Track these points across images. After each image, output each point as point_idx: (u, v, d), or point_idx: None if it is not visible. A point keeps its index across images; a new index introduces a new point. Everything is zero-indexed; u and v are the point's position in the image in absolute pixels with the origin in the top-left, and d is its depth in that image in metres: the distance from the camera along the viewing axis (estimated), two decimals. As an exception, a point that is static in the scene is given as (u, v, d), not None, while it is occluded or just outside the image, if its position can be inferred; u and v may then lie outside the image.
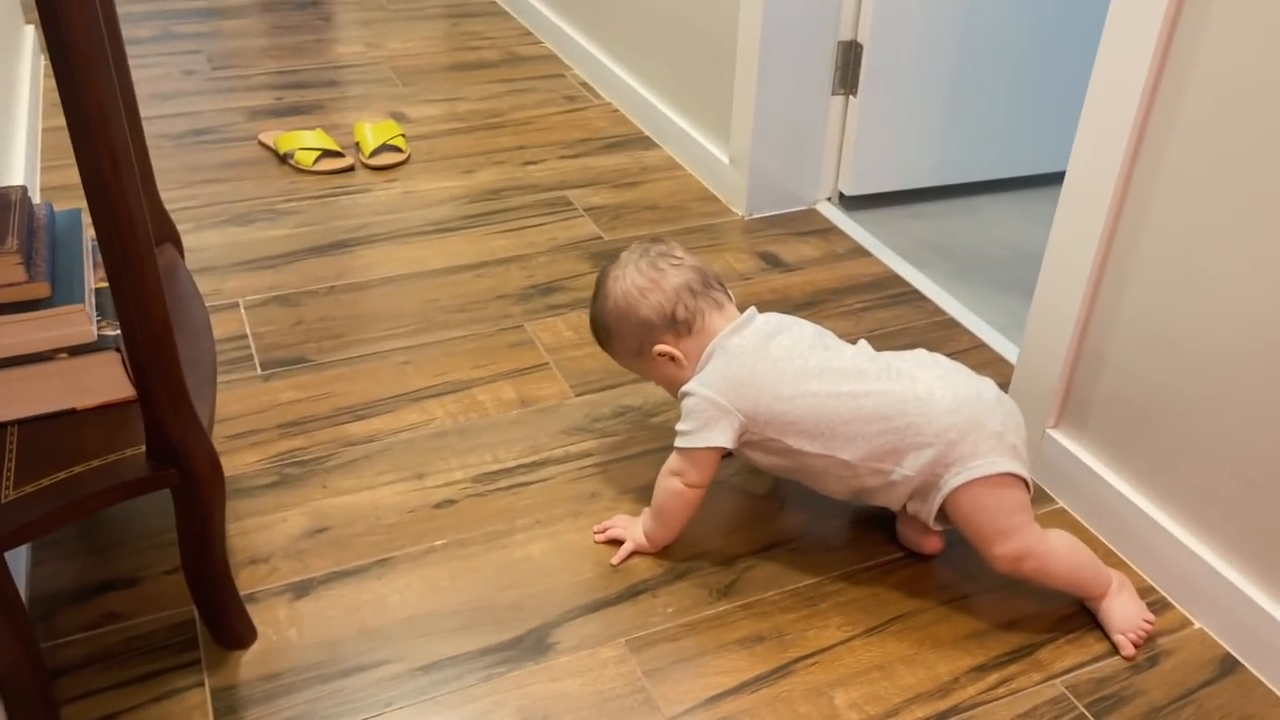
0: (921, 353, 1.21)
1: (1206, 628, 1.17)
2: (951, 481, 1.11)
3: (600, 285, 1.26)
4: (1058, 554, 1.14)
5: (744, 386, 1.15)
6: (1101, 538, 1.28)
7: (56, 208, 1.16)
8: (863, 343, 1.22)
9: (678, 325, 1.20)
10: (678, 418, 1.19)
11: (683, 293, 1.20)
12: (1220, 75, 1.04)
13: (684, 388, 1.19)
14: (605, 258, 1.83)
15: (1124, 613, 1.14)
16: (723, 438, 1.15)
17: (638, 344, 1.23)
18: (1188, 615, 1.19)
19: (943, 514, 1.15)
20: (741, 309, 1.24)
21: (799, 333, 1.20)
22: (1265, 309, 1.05)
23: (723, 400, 1.15)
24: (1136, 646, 1.13)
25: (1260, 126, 1.01)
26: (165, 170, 2.05)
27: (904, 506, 1.18)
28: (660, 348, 1.21)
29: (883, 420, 1.12)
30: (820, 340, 1.20)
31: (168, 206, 1.39)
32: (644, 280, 1.21)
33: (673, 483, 1.19)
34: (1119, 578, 1.17)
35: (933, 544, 1.24)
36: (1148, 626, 1.14)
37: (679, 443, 1.18)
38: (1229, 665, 1.13)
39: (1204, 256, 1.10)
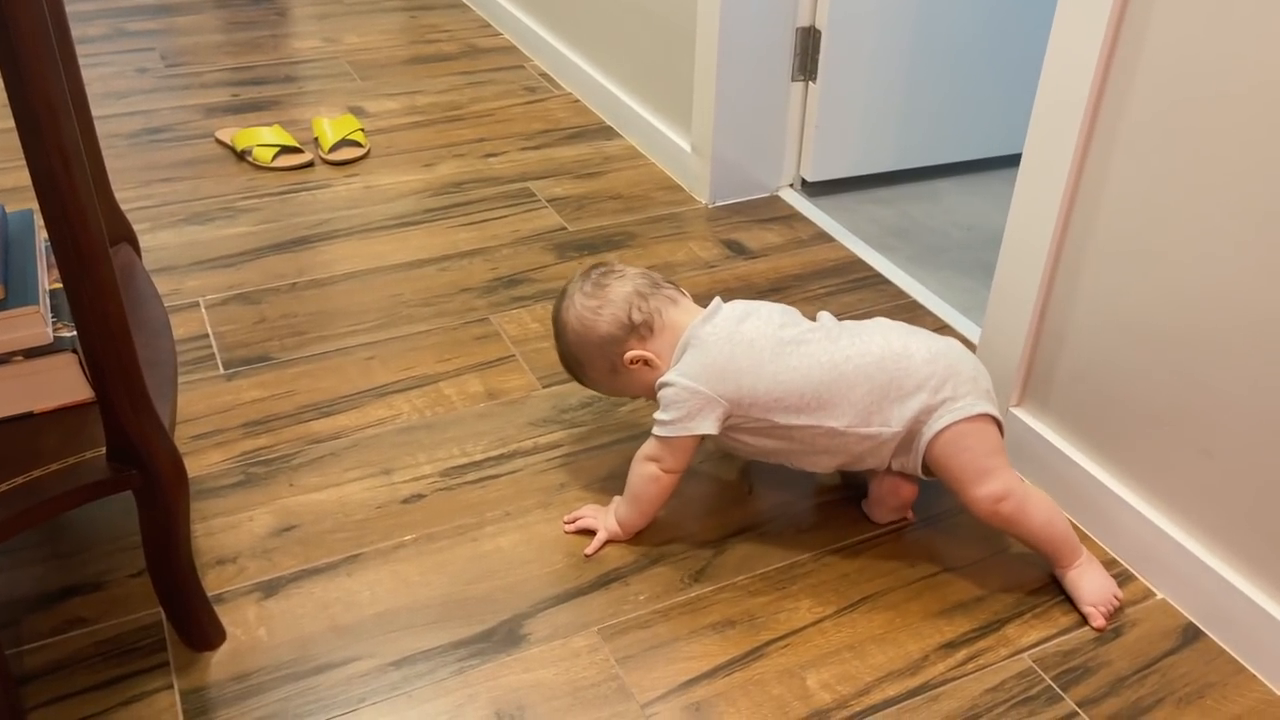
0: (882, 319, 1.24)
1: (1169, 598, 1.19)
2: (935, 425, 1.14)
3: (555, 322, 1.27)
4: (1035, 498, 1.17)
5: (725, 372, 1.16)
6: (1066, 512, 1.30)
7: (8, 209, 1.14)
8: (825, 314, 1.26)
9: (639, 329, 1.21)
10: (644, 408, 1.20)
11: (633, 299, 1.21)
12: (1170, 55, 1.06)
13: (661, 379, 1.19)
14: (570, 248, 1.83)
15: (1093, 585, 1.16)
16: (709, 425, 1.16)
17: (608, 361, 1.23)
18: (1150, 586, 1.21)
19: (925, 464, 1.18)
20: (707, 297, 1.25)
21: (766, 313, 1.21)
22: (1217, 285, 1.06)
23: (705, 389, 1.15)
24: (1107, 619, 1.15)
25: (1210, 104, 1.03)
26: (120, 170, 2.02)
27: (879, 478, 1.22)
28: (630, 354, 1.21)
29: (866, 380, 1.14)
30: (787, 317, 1.22)
31: (123, 207, 1.38)
32: (592, 301, 1.22)
33: (649, 468, 1.20)
34: (1087, 553, 1.19)
35: (902, 514, 1.27)
36: (1117, 601, 1.16)
37: (659, 431, 1.18)
38: (1191, 634, 1.16)
39: (1158, 234, 1.12)
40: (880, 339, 1.17)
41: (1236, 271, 1.04)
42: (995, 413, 1.16)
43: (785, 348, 1.16)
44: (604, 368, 1.24)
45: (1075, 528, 1.28)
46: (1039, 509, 1.16)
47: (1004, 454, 1.17)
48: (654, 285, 1.24)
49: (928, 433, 1.15)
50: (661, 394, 1.19)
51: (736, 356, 1.16)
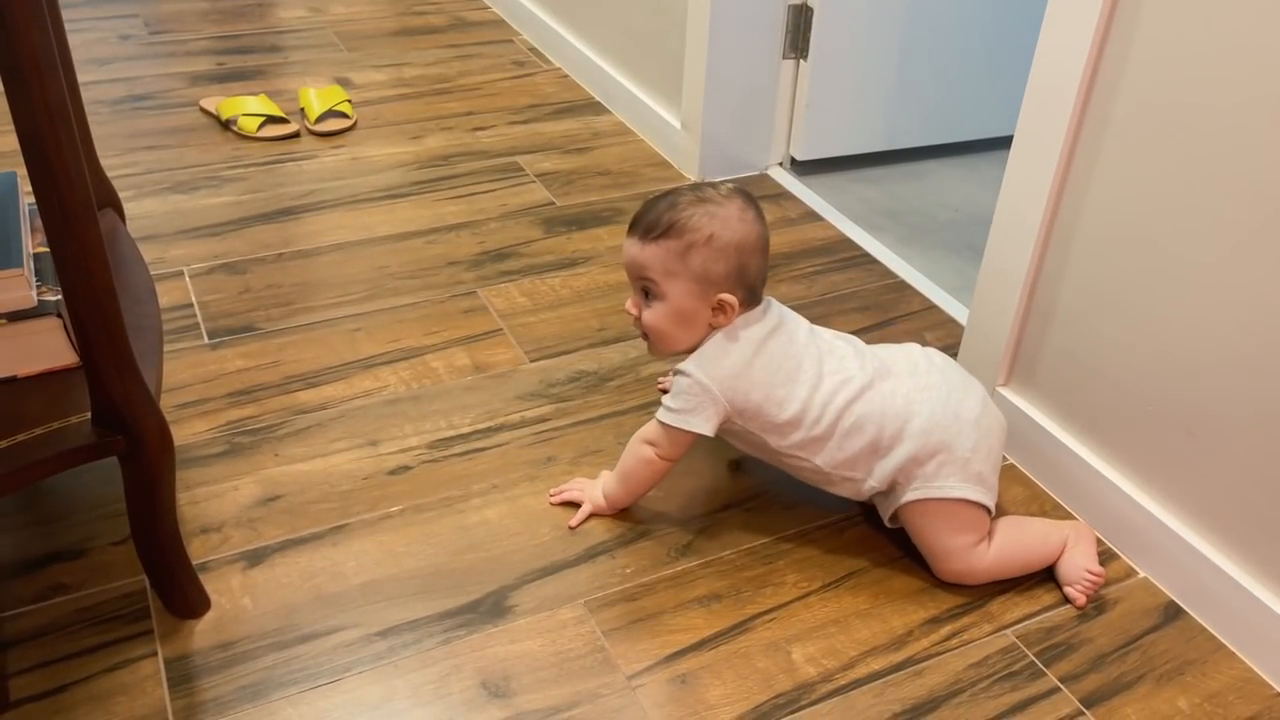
0: (916, 352, 1.21)
1: (1151, 576, 1.20)
2: (907, 495, 1.14)
3: (710, 199, 1.14)
4: (1002, 561, 1.16)
5: (738, 380, 1.14)
6: (1050, 491, 1.31)
7: (-9, 171, 1.12)
8: (853, 340, 1.22)
9: (751, 297, 1.16)
10: (632, 383, 1.19)
11: (765, 276, 1.18)
12: (1163, 37, 1.06)
13: (681, 366, 1.16)
14: (558, 223, 1.82)
15: (1072, 565, 1.17)
16: (706, 426, 1.15)
17: (721, 278, 1.13)
18: (1133, 565, 1.22)
19: (895, 517, 1.19)
20: None
21: (794, 330, 1.18)
22: (1206, 265, 1.07)
23: (715, 389, 1.14)
24: (1087, 597, 1.16)
25: (1203, 85, 1.03)
26: (104, 137, 1.99)
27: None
28: (728, 297, 1.13)
29: (859, 434, 1.14)
30: (813, 340, 1.18)
31: (108, 174, 1.35)
32: (765, 238, 1.17)
33: (645, 450, 1.19)
34: (1075, 531, 1.20)
35: None
36: (1092, 578, 1.16)
37: (662, 416, 1.17)
38: (1173, 612, 1.17)
39: (1148, 215, 1.12)
40: (889, 390, 1.14)
41: (1223, 253, 1.05)
42: (974, 497, 1.13)
43: (801, 376, 1.14)
44: (710, 270, 1.12)
45: (1059, 506, 1.29)
46: (1009, 563, 1.17)
47: (976, 531, 1.15)
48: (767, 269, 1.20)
49: (901, 499, 1.15)
50: (675, 380, 1.17)
51: (754, 368, 1.14)
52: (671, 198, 1.15)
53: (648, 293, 1.16)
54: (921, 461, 1.13)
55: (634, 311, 1.19)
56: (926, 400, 1.14)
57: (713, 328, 1.16)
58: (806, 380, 1.14)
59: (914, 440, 1.13)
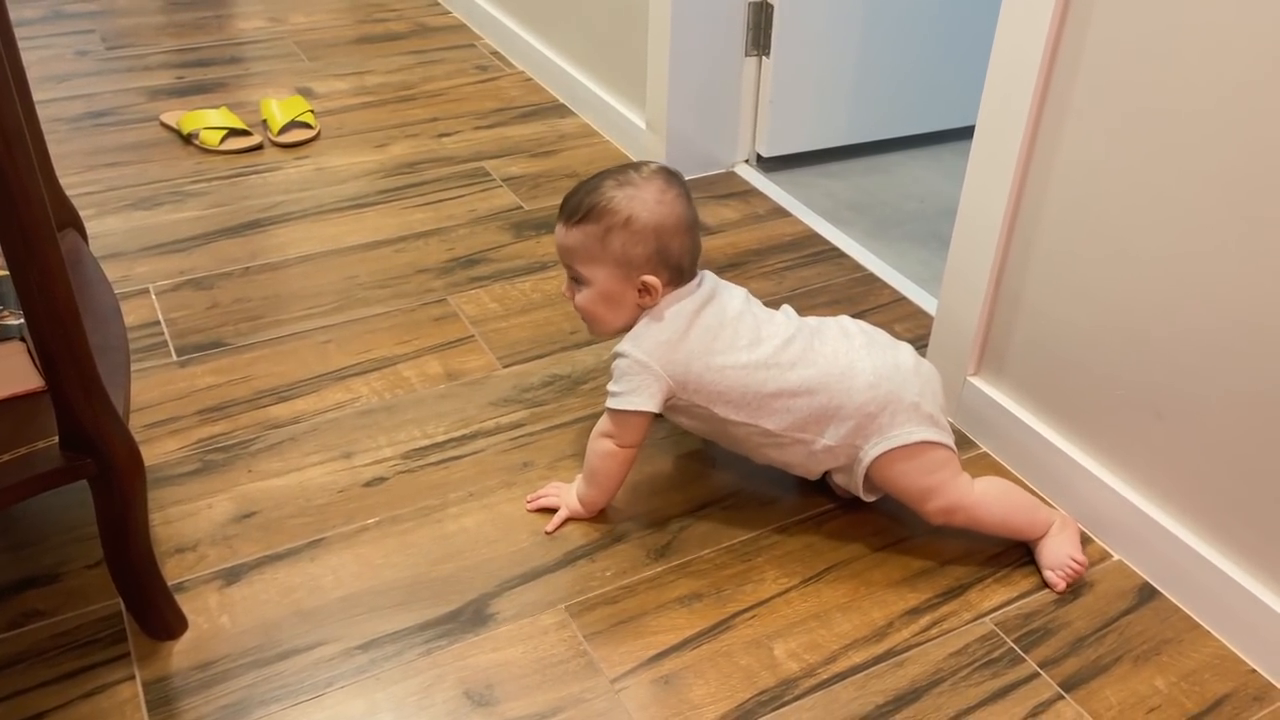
0: (845, 320, 1.23)
1: (1125, 559, 1.22)
2: (871, 452, 1.15)
3: (630, 181, 1.15)
4: (987, 501, 1.17)
5: (675, 353, 1.15)
6: (1024, 479, 1.32)
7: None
8: (787, 308, 1.24)
9: (676, 277, 1.17)
10: (606, 384, 1.19)
11: (695, 254, 1.18)
12: (1119, 22, 1.07)
13: (617, 347, 1.18)
14: (527, 227, 1.82)
15: (1055, 550, 1.18)
16: (650, 402, 1.15)
17: (642, 260, 1.14)
18: (1107, 548, 1.23)
19: (870, 483, 1.19)
20: None
21: (728, 300, 1.19)
22: (1168, 249, 1.08)
23: (654, 364, 1.15)
24: (1067, 584, 1.17)
25: (1160, 71, 1.04)
26: (63, 155, 1.97)
27: (831, 475, 1.22)
28: (651, 279, 1.14)
29: (807, 394, 1.14)
30: (748, 308, 1.20)
31: (68, 192, 1.34)
32: (688, 216, 1.16)
33: (604, 444, 1.19)
34: (1062, 519, 1.21)
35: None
36: (1076, 565, 1.17)
37: (609, 403, 1.18)
38: (1148, 594, 1.18)
39: (1109, 202, 1.13)
40: (829, 352, 1.16)
41: (1185, 237, 1.06)
42: (934, 437, 1.15)
43: (738, 341, 1.15)
44: (629, 255, 1.14)
45: (1033, 493, 1.30)
46: (994, 509, 1.18)
47: (949, 467, 1.17)
48: (699, 251, 1.20)
49: (865, 459, 1.15)
50: (615, 364, 1.18)
51: (690, 339, 1.15)
52: (595, 181, 1.17)
53: (576, 278, 1.18)
54: (874, 415, 1.14)
55: (568, 294, 1.21)
56: (866, 356, 1.16)
57: (641, 308, 1.17)
58: (744, 345, 1.15)
59: (862, 395, 1.14)
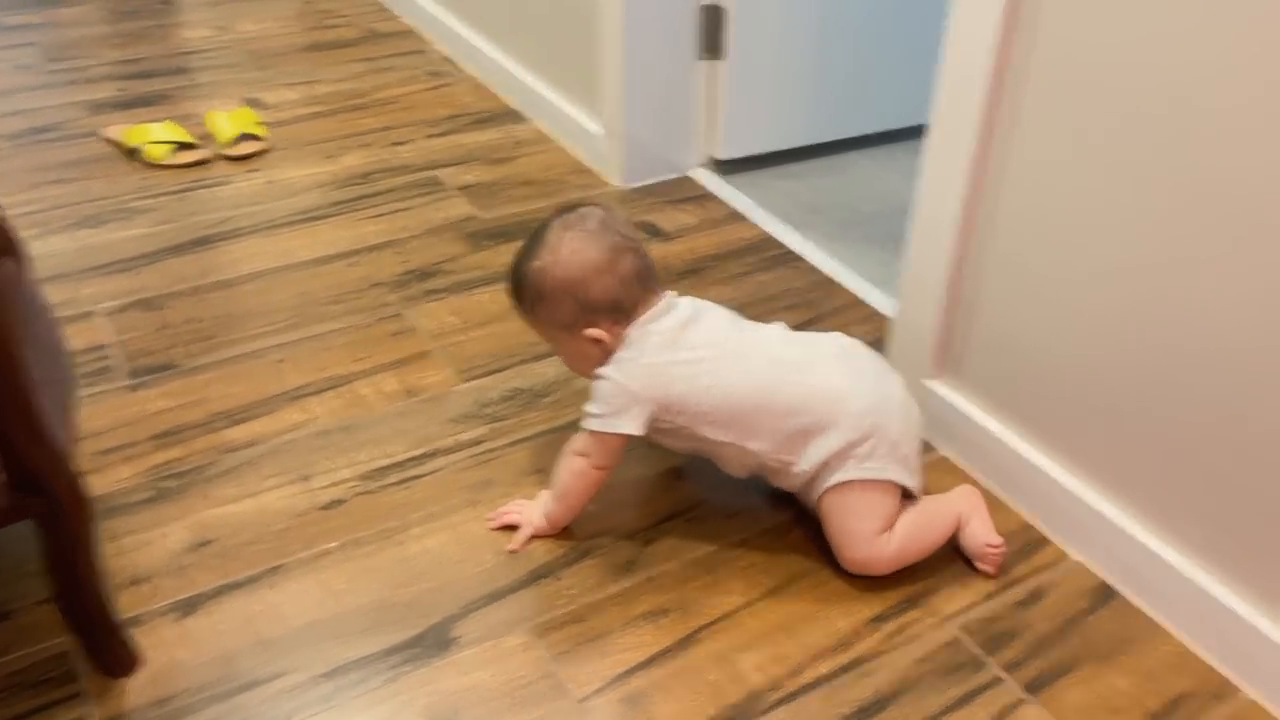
0: (840, 339, 1.22)
1: (1084, 559, 1.23)
2: (836, 476, 1.14)
3: (543, 244, 1.18)
4: (903, 552, 1.17)
5: (659, 375, 1.14)
6: (982, 480, 1.33)
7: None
8: (780, 325, 1.23)
9: (618, 314, 1.17)
10: (568, 397, 1.18)
11: (632, 282, 1.16)
12: (1069, 24, 1.08)
13: (599, 370, 1.16)
14: (483, 237, 1.80)
15: (972, 541, 1.19)
16: (634, 425, 1.15)
17: (572, 319, 1.17)
18: (1065, 549, 1.24)
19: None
20: None
21: (714, 320, 1.19)
22: (1121, 249, 1.09)
23: (637, 388, 1.14)
24: (997, 567, 1.18)
25: (1111, 71, 1.05)
26: (3, 173, 1.92)
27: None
28: (593, 332, 1.17)
29: (794, 416, 1.14)
30: (736, 326, 1.19)
31: (8, 211, 1.31)
32: (601, 258, 1.15)
33: (578, 463, 1.18)
34: (967, 503, 1.21)
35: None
36: (994, 551, 1.17)
37: (588, 424, 1.17)
38: (1106, 594, 1.19)
39: (1063, 200, 1.14)
40: (823, 371, 1.16)
41: (1138, 235, 1.07)
42: (902, 480, 1.16)
43: (725, 360, 1.15)
44: (563, 320, 1.17)
45: (989, 493, 1.30)
46: (905, 555, 1.17)
47: (885, 519, 1.15)
48: (651, 274, 1.19)
49: (829, 480, 1.15)
50: (595, 385, 1.17)
51: (675, 361, 1.15)
52: (521, 251, 1.21)
53: None
54: (857, 444, 1.13)
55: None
56: (861, 383, 1.16)
57: (606, 348, 1.17)
58: (733, 363, 1.15)
59: (851, 421, 1.13)
